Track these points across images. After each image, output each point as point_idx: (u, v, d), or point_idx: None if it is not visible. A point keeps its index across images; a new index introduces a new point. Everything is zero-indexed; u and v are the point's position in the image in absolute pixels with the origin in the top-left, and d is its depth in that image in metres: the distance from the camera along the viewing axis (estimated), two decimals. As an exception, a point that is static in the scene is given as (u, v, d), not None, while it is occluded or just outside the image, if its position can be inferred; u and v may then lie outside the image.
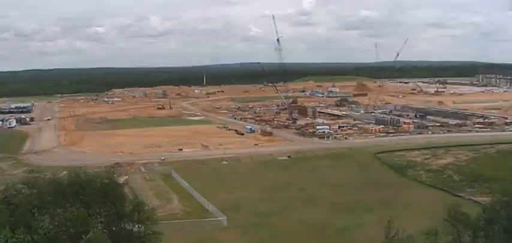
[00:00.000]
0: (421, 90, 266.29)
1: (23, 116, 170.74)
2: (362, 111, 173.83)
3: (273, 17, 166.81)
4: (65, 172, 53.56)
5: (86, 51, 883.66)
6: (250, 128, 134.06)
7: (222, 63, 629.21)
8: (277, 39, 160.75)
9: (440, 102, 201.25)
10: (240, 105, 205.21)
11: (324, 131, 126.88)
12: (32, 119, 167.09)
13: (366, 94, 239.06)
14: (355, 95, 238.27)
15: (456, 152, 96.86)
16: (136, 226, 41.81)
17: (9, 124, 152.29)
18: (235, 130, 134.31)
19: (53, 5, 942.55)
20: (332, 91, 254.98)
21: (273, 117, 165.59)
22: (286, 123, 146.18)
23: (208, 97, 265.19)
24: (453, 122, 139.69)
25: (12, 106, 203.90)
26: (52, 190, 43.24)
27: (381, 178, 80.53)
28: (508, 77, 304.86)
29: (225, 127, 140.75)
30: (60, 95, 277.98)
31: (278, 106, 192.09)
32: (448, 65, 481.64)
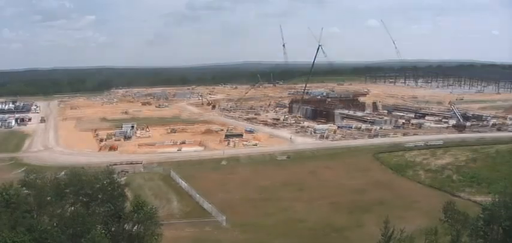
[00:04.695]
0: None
1: (22, 116, 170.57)
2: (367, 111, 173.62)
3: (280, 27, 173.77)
4: (64, 172, 53.47)
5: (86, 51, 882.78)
6: (251, 129, 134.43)
7: (224, 62, 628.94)
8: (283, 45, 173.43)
9: (439, 102, 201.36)
10: (238, 104, 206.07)
11: (323, 132, 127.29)
12: (30, 119, 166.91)
13: (365, 94, 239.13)
14: (354, 95, 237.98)
15: (455, 153, 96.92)
16: (136, 226, 41.87)
17: (8, 124, 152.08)
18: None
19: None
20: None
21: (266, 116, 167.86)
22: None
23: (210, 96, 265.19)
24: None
25: (11, 105, 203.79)
26: (51, 190, 43.37)
27: (380, 178, 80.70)
28: None
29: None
30: (59, 95, 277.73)
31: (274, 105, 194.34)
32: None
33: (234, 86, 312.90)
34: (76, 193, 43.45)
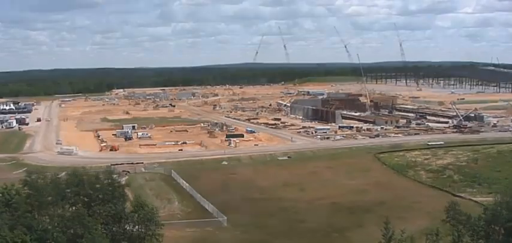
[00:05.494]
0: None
1: (23, 116, 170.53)
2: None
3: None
4: (65, 172, 53.47)
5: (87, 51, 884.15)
6: (252, 130, 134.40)
7: (225, 62, 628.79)
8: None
9: (440, 103, 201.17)
10: (238, 105, 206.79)
11: (324, 132, 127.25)
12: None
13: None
14: (353, 95, 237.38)
15: (456, 153, 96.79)
16: (137, 227, 41.87)
17: (9, 125, 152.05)
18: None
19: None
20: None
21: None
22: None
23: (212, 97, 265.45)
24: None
25: (12, 106, 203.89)
26: (52, 190, 43.40)
27: (381, 178, 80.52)
28: None
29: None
30: (60, 95, 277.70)
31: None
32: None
33: (240, 86, 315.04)
34: (77, 193, 43.48)
